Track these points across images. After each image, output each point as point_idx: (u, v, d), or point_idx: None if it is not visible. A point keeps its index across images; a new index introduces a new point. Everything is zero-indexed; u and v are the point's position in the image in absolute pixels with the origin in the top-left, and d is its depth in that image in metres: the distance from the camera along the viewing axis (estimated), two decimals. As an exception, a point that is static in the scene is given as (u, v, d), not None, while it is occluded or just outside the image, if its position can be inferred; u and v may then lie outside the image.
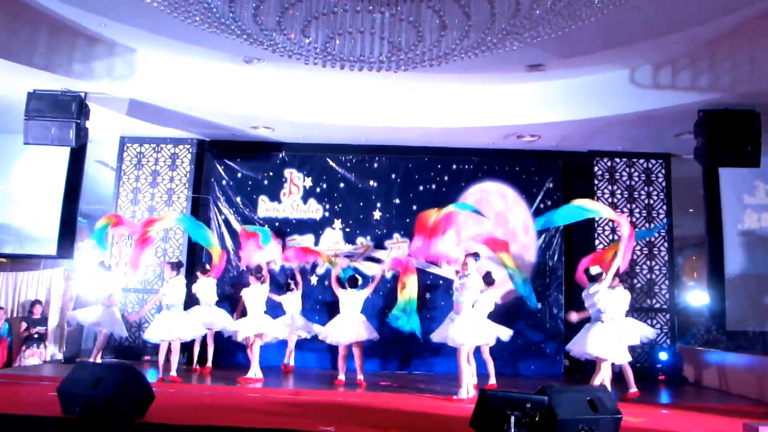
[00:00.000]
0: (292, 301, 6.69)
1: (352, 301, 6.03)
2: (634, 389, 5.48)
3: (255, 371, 5.90)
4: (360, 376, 5.91)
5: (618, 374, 5.54)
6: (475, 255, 5.48)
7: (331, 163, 7.75)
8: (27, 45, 5.45)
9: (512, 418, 3.12)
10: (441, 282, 7.31)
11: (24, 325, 7.57)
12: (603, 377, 5.05)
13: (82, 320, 6.48)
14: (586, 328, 5.20)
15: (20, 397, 4.71)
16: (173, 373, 5.87)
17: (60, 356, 7.67)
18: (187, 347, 6.74)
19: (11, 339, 7.67)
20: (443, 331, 5.42)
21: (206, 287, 6.68)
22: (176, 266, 6.19)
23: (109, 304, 6.40)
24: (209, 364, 6.67)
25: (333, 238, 7.59)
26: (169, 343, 5.89)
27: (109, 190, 7.86)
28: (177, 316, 6.02)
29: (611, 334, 5.11)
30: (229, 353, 7.19)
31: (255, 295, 6.10)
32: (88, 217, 8.51)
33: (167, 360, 5.88)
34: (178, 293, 6.04)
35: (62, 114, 5.85)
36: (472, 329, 5.29)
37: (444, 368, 6.88)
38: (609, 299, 5.19)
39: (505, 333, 5.89)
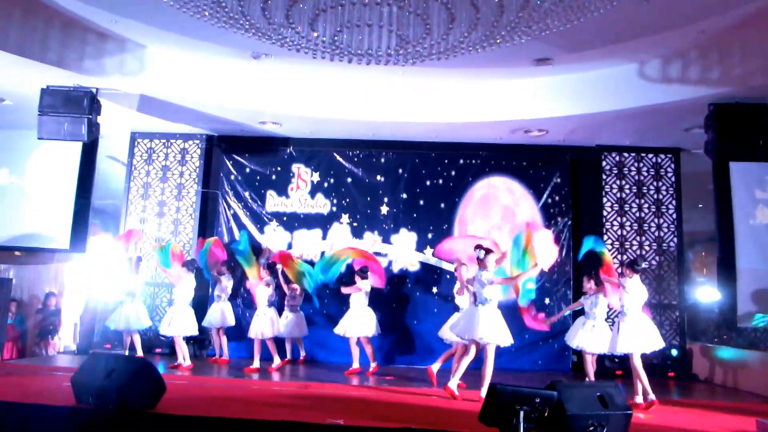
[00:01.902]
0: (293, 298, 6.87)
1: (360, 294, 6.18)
2: (640, 399, 4.85)
3: (276, 360, 6.35)
4: (373, 363, 6.17)
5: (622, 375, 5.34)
6: (489, 250, 5.44)
7: (338, 158, 7.77)
8: (40, 42, 5.53)
9: (521, 413, 3.09)
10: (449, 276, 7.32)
11: (38, 316, 7.71)
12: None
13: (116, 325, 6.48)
14: (626, 325, 4.96)
15: (35, 386, 4.80)
16: (185, 362, 6.19)
17: (73, 347, 7.80)
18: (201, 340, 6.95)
19: (26, 330, 7.81)
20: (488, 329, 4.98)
21: (230, 284, 6.85)
22: (191, 264, 6.45)
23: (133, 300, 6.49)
24: (226, 356, 6.81)
25: (340, 233, 7.63)
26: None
27: (120, 185, 7.95)
28: (188, 311, 6.28)
29: (646, 324, 5.02)
30: (237, 345, 7.25)
31: (263, 290, 6.31)
32: (100, 211, 8.61)
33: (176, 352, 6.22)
34: (191, 290, 6.33)
35: (74, 110, 5.96)
36: (501, 327, 5.07)
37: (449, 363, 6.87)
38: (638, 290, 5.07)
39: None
